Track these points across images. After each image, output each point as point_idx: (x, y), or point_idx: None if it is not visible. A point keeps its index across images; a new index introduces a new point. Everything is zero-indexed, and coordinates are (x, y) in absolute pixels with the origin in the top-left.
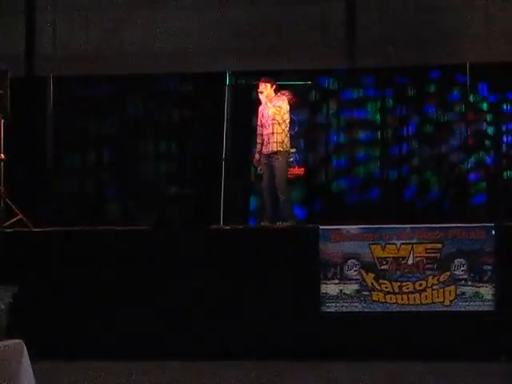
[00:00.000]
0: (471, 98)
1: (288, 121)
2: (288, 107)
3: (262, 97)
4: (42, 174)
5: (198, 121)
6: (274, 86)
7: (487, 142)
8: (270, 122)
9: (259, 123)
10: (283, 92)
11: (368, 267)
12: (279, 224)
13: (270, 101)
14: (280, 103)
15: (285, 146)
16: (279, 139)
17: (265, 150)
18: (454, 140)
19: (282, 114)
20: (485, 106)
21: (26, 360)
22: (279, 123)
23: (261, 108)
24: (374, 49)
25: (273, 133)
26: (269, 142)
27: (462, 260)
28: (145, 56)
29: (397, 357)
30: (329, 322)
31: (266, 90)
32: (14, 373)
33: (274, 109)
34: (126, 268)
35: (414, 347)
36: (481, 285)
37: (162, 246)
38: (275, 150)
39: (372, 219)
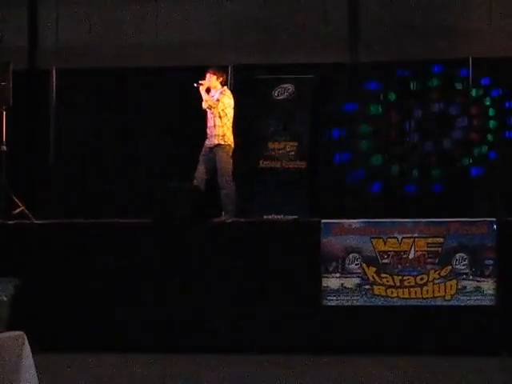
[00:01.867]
0: (474, 93)
1: (231, 115)
2: (231, 102)
3: (200, 89)
4: (43, 166)
5: (201, 114)
6: (221, 79)
7: (489, 137)
8: (211, 116)
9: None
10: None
11: (369, 261)
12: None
13: (208, 93)
14: (220, 97)
15: (226, 140)
16: (220, 133)
17: (207, 143)
18: (456, 134)
19: (220, 108)
20: (487, 100)
21: (27, 352)
22: (220, 117)
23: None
24: (377, 43)
25: (214, 126)
26: (211, 136)
27: (463, 254)
28: (147, 49)
29: (397, 351)
30: (330, 316)
31: (209, 81)
32: (15, 365)
33: (210, 102)
34: (128, 261)
35: (414, 341)
36: (482, 279)
37: (164, 238)
38: (216, 143)
39: (374, 213)
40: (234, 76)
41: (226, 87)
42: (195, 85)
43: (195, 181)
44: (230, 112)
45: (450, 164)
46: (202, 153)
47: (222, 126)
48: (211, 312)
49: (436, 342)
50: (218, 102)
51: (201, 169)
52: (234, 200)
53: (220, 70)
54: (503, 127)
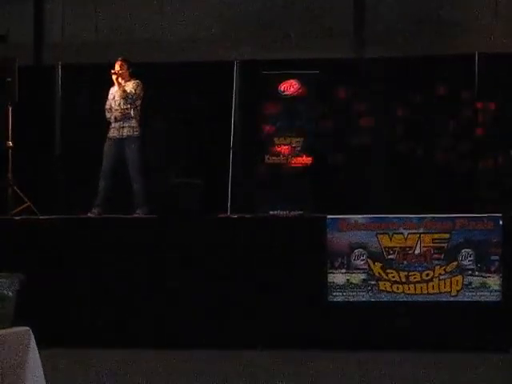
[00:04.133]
0: (480, 89)
1: (140, 108)
2: (142, 93)
3: (114, 78)
4: (49, 161)
5: (206, 110)
6: (131, 69)
7: (496, 132)
8: (122, 107)
9: (108, 106)
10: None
11: (375, 257)
12: (136, 213)
13: (120, 84)
14: (133, 86)
15: (136, 132)
16: (133, 124)
17: (117, 135)
18: (462, 130)
19: (134, 99)
20: (493, 96)
21: (33, 347)
22: (132, 108)
23: (112, 90)
24: (383, 39)
25: (125, 117)
26: (121, 127)
27: (469, 250)
28: (153, 45)
29: (403, 347)
30: (336, 312)
31: (122, 70)
32: (21, 360)
33: (125, 93)
34: (133, 256)
35: (420, 337)
36: (488, 275)
37: (170, 234)
38: (129, 134)
39: (379, 209)
40: (240, 72)
41: (134, 78)
42: (112, 71)
43: (102, 176)
44: (140, 105)
45: (457, 159)
46: (110, 145)
47: (134, 118)
48: (215, 307)
49: (441, 338)
50: (136, 94)
51: (107, 163)
52: (146, 193)
53: (128, 59)
54: (509, 122)
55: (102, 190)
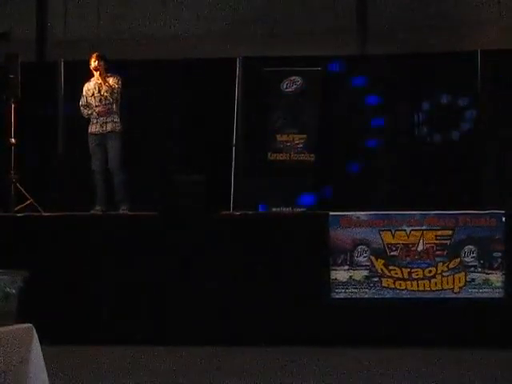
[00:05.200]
0: (482, 85)
1: (119, 102)
2: (120, 89)
3: (96, 73)
4: (52, 158)
5: (209, 107)
6: (107, 66)
7: (498, 129)
8: (104, 102)
9: (84, 103)
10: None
11: (378, 253)
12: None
13: (105, 79)
14: (114, 81)
15: (119, 127)
16: (116, 119)
17: (100, 130)
18: (464, 126)
19: (115, 93)
20: (496, 92)
21: (35, 344)
22: (114, 103)
23: (90, 86)
24: (385, 35)
25: (108, 112)
26: (104, 122)
27: (471, 247)
28: (155, 42)
29: (405, 343)
30: (338, 308)
31: (99, 66)
32: (24, 357)
33: (108, 87)
34: (136, 253)
35: (423, 334)
36: (490, 272)
37: (173, 231)
38: (111, 129)
39: (382, 205)
40: (243, 68)
41: (110, 74)
42: (93, 66)
43: (97, 176)
44: (119, 99)
45: (459, 156)
46: (95, 142)
47: (116, 113)
48: (218, 305)
49: (444, 335)
50: (115, 88)
51: (98, 161)
52: (127, 187)
53: (104, 55)
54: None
55: (100, 189)
